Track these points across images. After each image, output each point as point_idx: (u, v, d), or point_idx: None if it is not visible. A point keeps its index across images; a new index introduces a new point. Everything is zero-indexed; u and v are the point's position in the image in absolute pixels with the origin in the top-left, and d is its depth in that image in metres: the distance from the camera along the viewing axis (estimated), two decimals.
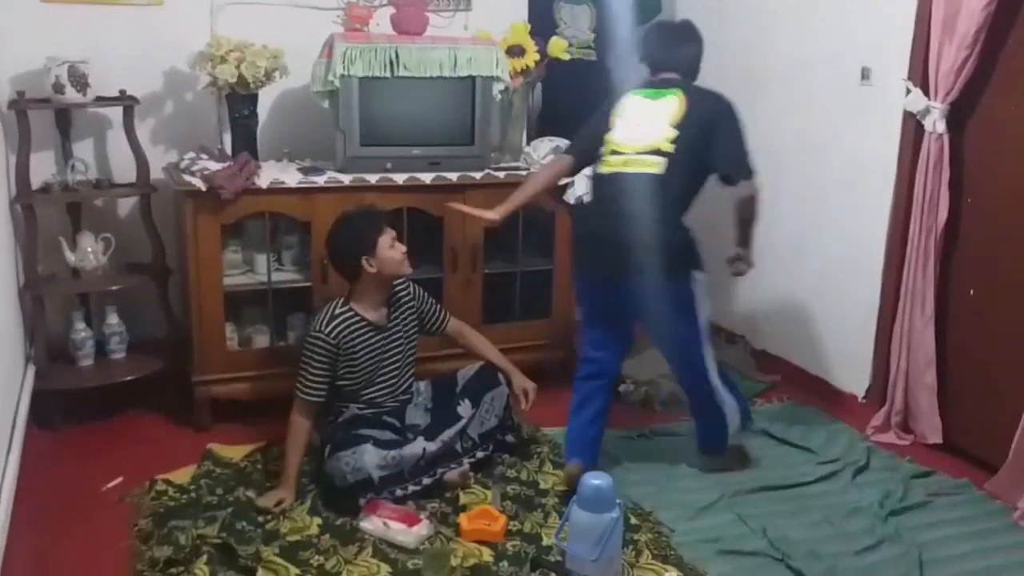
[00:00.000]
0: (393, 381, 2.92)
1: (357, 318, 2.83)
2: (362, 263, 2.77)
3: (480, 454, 2.91)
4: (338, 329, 2.79)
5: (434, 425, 2.87)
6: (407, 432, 2.86)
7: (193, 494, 2.72)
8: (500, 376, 3.02)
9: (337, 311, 2.82)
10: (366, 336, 2.84)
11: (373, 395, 2.89)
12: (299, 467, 2.76)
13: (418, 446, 2.73)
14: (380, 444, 2.69)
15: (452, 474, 2.78)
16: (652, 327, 2.94)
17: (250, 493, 2.72)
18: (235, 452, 2.99)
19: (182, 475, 2.84)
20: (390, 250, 2.80)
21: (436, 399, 3.01)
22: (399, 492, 2.68)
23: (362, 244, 2.78)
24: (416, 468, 2.73)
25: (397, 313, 2.94)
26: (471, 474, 2.83)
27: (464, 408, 2.90)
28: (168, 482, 2.79)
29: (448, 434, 2.81)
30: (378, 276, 2.80)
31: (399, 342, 2.92)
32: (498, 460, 2.97)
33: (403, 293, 2.97)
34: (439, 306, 3.10)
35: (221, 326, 3.17)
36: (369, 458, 2.64)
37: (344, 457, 2.65)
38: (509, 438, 3.05)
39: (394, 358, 2.91)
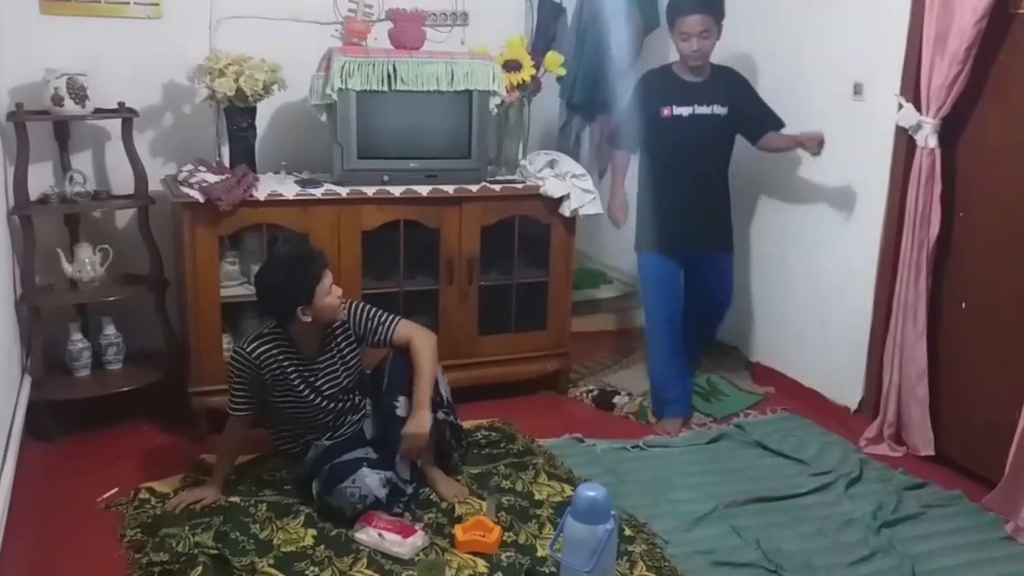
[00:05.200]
0: (336, 408, 2.79)
1: (286, 344, 2.69)
2: (296, 313, 2.62)
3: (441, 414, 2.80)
4: (261, 350, 2.67)
5: (383, 439, 2.77)
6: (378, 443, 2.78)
7: None
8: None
9: (266, 331, 2.70)
10: (289, 369, 2.69)
11: (320, 424, 2.78)
12: (227, 474, 2.79)
13: (403, 470, 2.71)
14: (373, 464, 2.66)
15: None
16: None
17: (234, 499, 2.72)
18: None
19: (166, 484, 2.85)
20: (328, 297, 2.63)
21: (375, 408, 2.87)
22: (401, 502, 2.68)
23: (298, 293, 2.59)
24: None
25: (332, 342, 2.77)
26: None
27: (402, 407, 2.76)
28: (151, 491, 2.81)
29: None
30: (312, 324, 2.66)
31: (332, 371, 2.76)
32: (493, 471, 2.97)
33: (336, 322, 2.78)
34: (382, 316, 2.81)
35: (218, 337, 3.18)
36: (371, 481, 2.61)
37: (347, 489, 2.59)
38: (449, 417, 2.87)
39: (328, 388, 2.75)
